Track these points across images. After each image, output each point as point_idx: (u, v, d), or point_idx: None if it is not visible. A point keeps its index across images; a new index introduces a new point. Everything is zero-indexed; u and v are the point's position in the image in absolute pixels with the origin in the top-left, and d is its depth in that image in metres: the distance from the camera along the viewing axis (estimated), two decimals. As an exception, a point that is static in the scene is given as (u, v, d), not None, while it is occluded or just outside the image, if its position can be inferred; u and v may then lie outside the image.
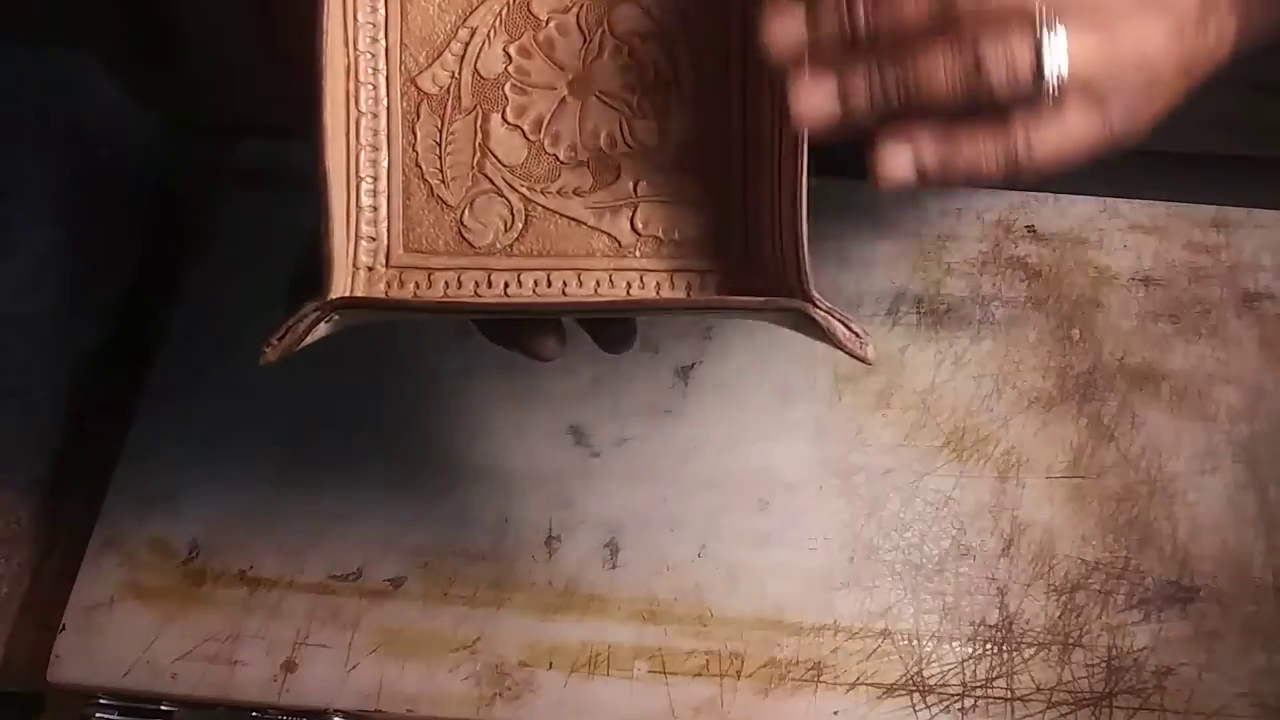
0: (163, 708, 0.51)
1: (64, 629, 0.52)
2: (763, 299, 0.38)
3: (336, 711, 0.51)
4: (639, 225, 0.42)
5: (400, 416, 0.58)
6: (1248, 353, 0.61)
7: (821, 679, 0.52)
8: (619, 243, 0.42)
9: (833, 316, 0.38)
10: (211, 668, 0.51)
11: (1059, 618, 0.53)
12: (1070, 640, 0.53)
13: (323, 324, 0.38)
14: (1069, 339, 0.61)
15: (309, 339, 0.38)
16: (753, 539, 0.55)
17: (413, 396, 0.58)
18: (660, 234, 0.42)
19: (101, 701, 0.51)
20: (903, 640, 0.53)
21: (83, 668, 0.51)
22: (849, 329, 0.38)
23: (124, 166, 0.62)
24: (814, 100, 0.35)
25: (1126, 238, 0.64)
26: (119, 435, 0.57)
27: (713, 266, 0.42)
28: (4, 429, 0.52)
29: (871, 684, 0.52)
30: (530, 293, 0.41)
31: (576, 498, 0.56)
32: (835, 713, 0.51)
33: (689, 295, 0.41)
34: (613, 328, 0.44)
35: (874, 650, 0.52)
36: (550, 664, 0.52)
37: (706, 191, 0.41)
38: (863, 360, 0.39)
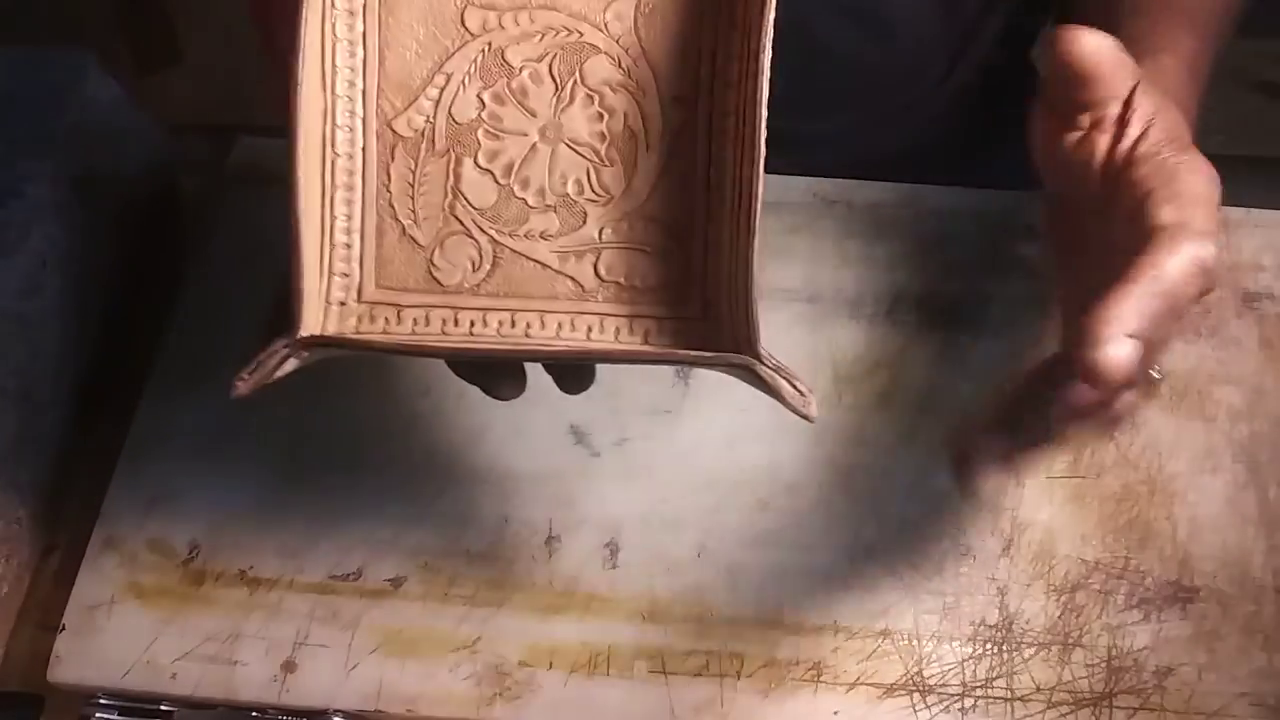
0: (163, 708, 0.51)
1: (64, 629, 0.52)
2: (712, 354, 0.40)
3: (336, 711, 0.51)
4: (602, 271, 0.43)
5: (400, 416, 0.58)
6: (1248, 353, 0.61)
7: (821, 679, 0.52)
8: (582, 287, 0.43)
9: (779, 375, 0.39)
10: (211, 668, 0.51)
11: (1059, 618, 0.53)
12: (1070, 640, 0.53)
13: (293, 359, 0.39)
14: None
15: (280, 373, 0.39)
16: (753, 539, 0.55)
17: (413, 396, 0.59)
18: (622, 280, 0.43)
19: (101, 701, 0.51)
20: (903, 640, 0.53)
21: (83, 668, 0.51)
22: (794, 387, 0.40)
23: (124, 166, 0.62)
24: None
25: (1126, 238, 0.64)
26: (119, 435, 0.57)
27: (671, 314, 0.43)
28: (4, 429, 0.52)
29: (871, 684, 0.52)
30: (495, 332, 0.42)
31: (576, 498, 0.56)
32: (835, 713, 0.51)
33: (646, 341, 0.43)
34: (572, 371, 0.46)
35: (874, 650, 0.52)
36: (550, 664, 0.52)
37: (669, 240, 0.43)
38: (805, 418, 0.41)
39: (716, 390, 0.59)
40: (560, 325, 0.43)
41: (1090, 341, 0.39)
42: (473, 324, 0.43)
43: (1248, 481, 0.57)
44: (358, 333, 0.42)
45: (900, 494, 0.56)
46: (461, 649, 0.52)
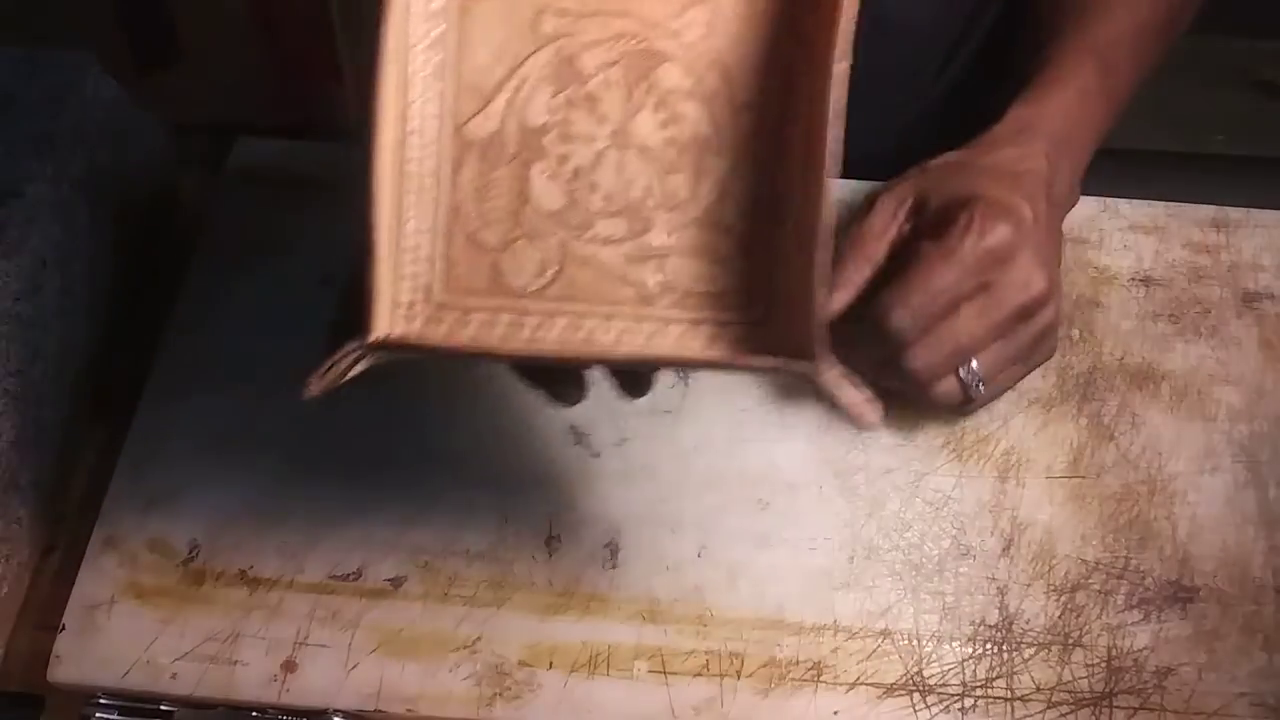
0: (163, 708, 0.51)
1: (64, 629, 0.52)
2: (776, 360, 0.40)
3: (336, 711, 0.51)
4: (665, 276, 0.43)
5: (400, 416, 0.58)
6: (1248, 353, 0.61)
7: (821, 679, 0.52)
8: (645, 292, 0.43)
9: (845, 381, 0.40)
10: (211, 668, 0.51)
11: (1059, 618, 0.53)
12: (1070, 640, 0.53)
13: (363, 362, 0.40)
14: (1069, 339, 0.61)
15: (351, 374, 0.40)
16: (753, 539, 0.55)
17: (413, 396, 0.59)
18: (685, 285, 0.43)
19: (101, 701, 0.51)
20: (903, 640, 0.53)
21: (83, 668, 0.51)
22: (859, 393, 0.40)
23: (124, 166, 0.62)
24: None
25: (1126, 238, 0.64)
26: (119, 435, 0.57)
27: (733, 320, 0.42)
28: (4, 429, 0.52)
29: (871, 684, 0.52)
30: (558, 336, 0.42)
31: (576, 498, 0.56)
32: (835, 713, 0.51)
33: (707, 346, 0.42)
34: (632, 376, 0.48)
35: (874, 650, 0.52)
36: (550, 664, 0.52)
37: (733, 248, 0.43)
38: (869, 426, 0.41)
39: (716, 390, 0.59)
40: (623, 330, 0.43)
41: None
42: (537, 327, 0.42)
43: (1248, 481, 0.57)
44: (424, 335, 0.42)
45: (900, 494, 0.56)
46: (461, 649, 0.52)
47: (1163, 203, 0.66)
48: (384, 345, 0.40)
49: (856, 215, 0.55)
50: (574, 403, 0.47)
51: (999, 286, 0.52)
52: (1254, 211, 0.65)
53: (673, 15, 0.43)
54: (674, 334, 0.43)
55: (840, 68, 0.40)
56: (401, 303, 0.42)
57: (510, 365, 0.45)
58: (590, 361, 0.44)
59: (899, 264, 0.53)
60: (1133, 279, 0.63)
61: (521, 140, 0.42)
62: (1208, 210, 0.65)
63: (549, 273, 0.43)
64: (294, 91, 1.36)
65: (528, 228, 0.43)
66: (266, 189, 0.65)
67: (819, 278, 0.40)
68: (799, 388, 0.59)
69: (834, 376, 0.40)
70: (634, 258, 0.43)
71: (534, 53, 0.42)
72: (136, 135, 0.63)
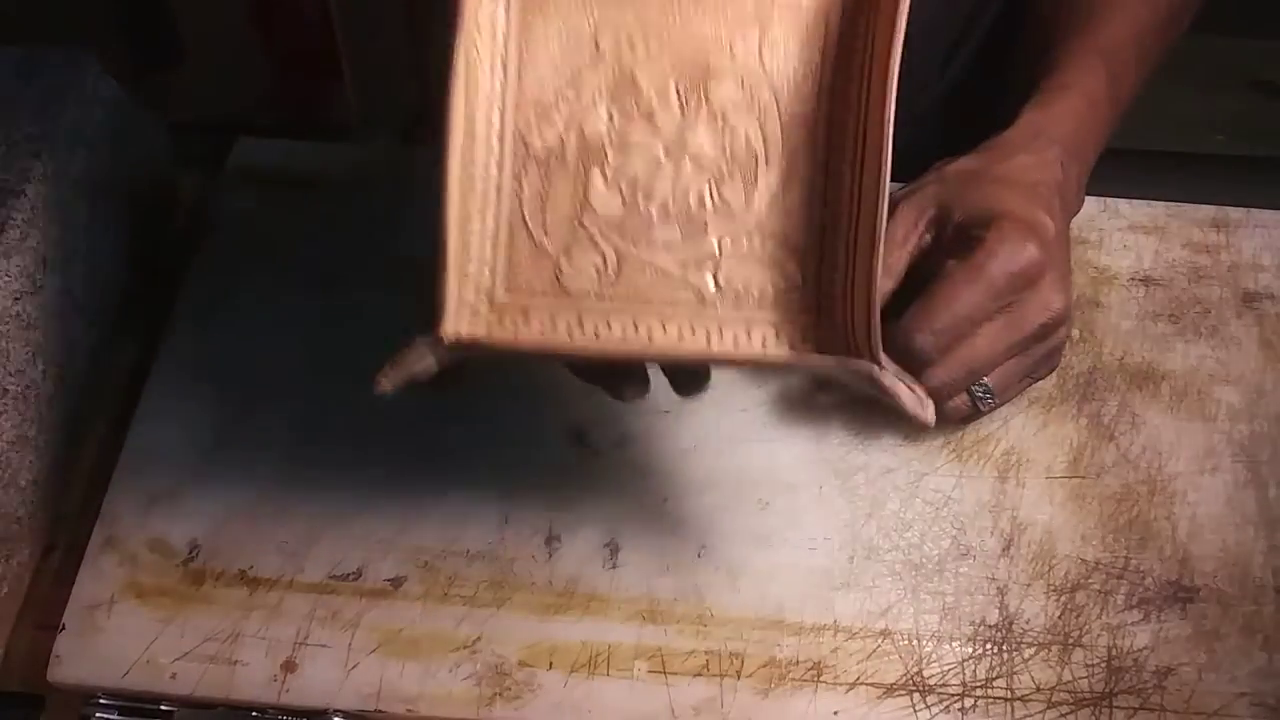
0: (163, 708, 0.51)
1: (64, 629, 0.52)
2: (835, 359, 0.43)
3: (336, 711, 0.51)
4: (721, 280, 0.45)
5: (400, 416, 0.58)
6: (1248, 353, 0.61)
7: (821, 679, 0.52)
8: (702, 295, 0.45)
9: (900, 380, 0.43)
10: (211, 668, 0.51)
11: (1059, 618, 0.53)
12: (1070, 640, 0.53)
13: (432, 358, 0.42)
14: (1069, 339, 0.61)
15: (419, 371, 0.42)
16: (753, 539, 0.55)
17: (412, 396, 0.58)
18: (740, 289, 0.45)
19: (101, 701, 0.51)
20: (903, 640, 0.53)
21: (83, 668, 0.51)
22: (913, 391, 0.43)
23: (124, 166, 0.62)
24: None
25: (1126, 238, 0.64)
26: (119, 435, 0.57)
27: (787, 321, 0.45)
28: (4, 429, 0.52)
29: (871, 684, 0.52)
30: (619, 336, 0.44)
31: (576, 498, 0.56)
32: (835, 713, 0.51)
33: (763, 347, 0.44)
34: (688, 374, 0.49)
35: (874, 650, 0.52)
36: (550, 664, 0.52)
37: (785, 252, 0.45)
38: (923, 423, 0.44)
39: (716, 390, 0.58)
40: (681, 331, 0.44)
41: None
42: (597, 328, 0.44)
43: (1248, 481, 0.57)
44: (490, 334, 0.44)
45: (900, 494, 0.56)
46: (461, 649, 0.52)
47: (1163, 203, 0.66)
48: (452, 343, 0.42)
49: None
50: (636, 399, 0.48)
51: (1022, 307, 0.52)
52: (1254, 211, 0.65)
53: (726, 33, 0.44)
54: (730, 335, 0.44)
55: (893, 81, 0.42)
56: (467, 302, 0.43)
57: (570, 364, 0.47)
58: (653, 360, 0.46)
59: (920, 277, 0.53)
60: (1133, 279, 0.63)
61: (581, 150, 0.44)
62: (1208, 210, 0.65)
63: (608, 276, 0.44)
64: (294, 91, 1.36)
65: (587, 233, 0.44)
66: (266, 189, 0.65)
67: (876, 280, 0.42)
68: (800, 387, 0.59)
69: (890, 374, 0.42)
70: (690, 262, 0.45)
71: (593, 68, 0.44)
72: (136, 135, 0.63)
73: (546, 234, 0.45)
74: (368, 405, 0.58)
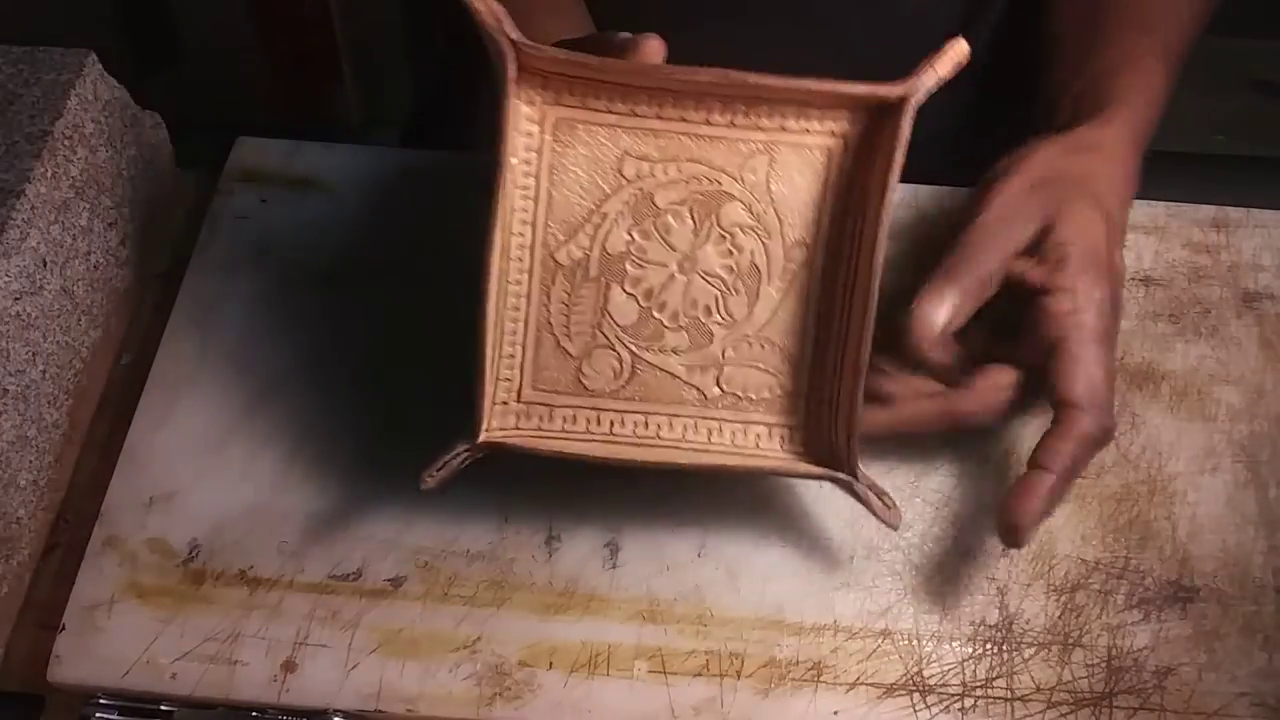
0: (163, 708, 0.51)
1: (64, 629, 0.52)
2: (820, 470, 0.49)
3: (336, 711, 0.51)
4: (723, 383, 0.50)
5: (400, 415, 0.58)
6: (1248, 353, 0.61)
7: (821, 679, 0.52)
8: (705, 396, 0.50)
9: (871, 491, 0.49)
10: (211, 668, 0.51)
11: (1059, 618, 0.53)
12: (1070, 640, 0.53)
13: (468, 457, 0.48)
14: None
15: (459, 469, 0.48)
16: (753, 539, 0.55)
17: (412, 396, 0.59)
18: (739, 392, 0.50)
19: (101, 701, 0.51)
20: (903, 640, 0.53)
21: (83, 668, 0.51)
22: (883, 501, 0.49)
23: (124, 166, 0.62)
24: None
25: (1127, 238, 0.64)
26: (119, 435, 0.57)
27: (780, 423, 0.50)
28: (4, 429, 0.52)
29: (871, 684, 0.52)
30: (631, 432, 0.50)
31: (576, 498, 0.56)
32: (835, 713, 0.51)
33: (757, 444, 0.50)
34: None
35: (874, 650, 0.52)
36: (550, 664, 0.52)
37: (781, 361, 0.50)
38: (890, 527, 0.50)
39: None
40: (685, 427, 0.50)
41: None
42: (613, 423, 0.50)
43: (1248, 481, 0.57)
44: (517, 428, 0.49)
45: (900, 494, 0.56)
46: (461, 649, 0.52)
47: (1163, 203, 0.66)
48: (490, 447, 0.48)
49: (972, 204, 0.53)
50: None
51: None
52: (1254, 211, 0.65)
53: (737, 162, 0.49)
54: (729, 432, 0.50)
55: (887, 214, 0.47)
56: (497, 401, 0.49)
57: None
58: (665, 468, 0.50)
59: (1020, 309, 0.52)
60: (1133, 279, 0.63)
61: (603, 264, 0.50)
62: (1208, 210, 0.65)
63: (623, 377, 0.50)
64: (294, 91, 1.36)
65: (606, 338, 0.50)
66: (266, 189, 0.65)
67: (858, 403, 0.47)
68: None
69: (865, 487, 0.48)
70: (696, 367, 0.50)
71: (617, 191, 0.49)
72: (136, 135, 0.63)
73: (570, 339, 0.50)
74: (367, 405, 0.58)
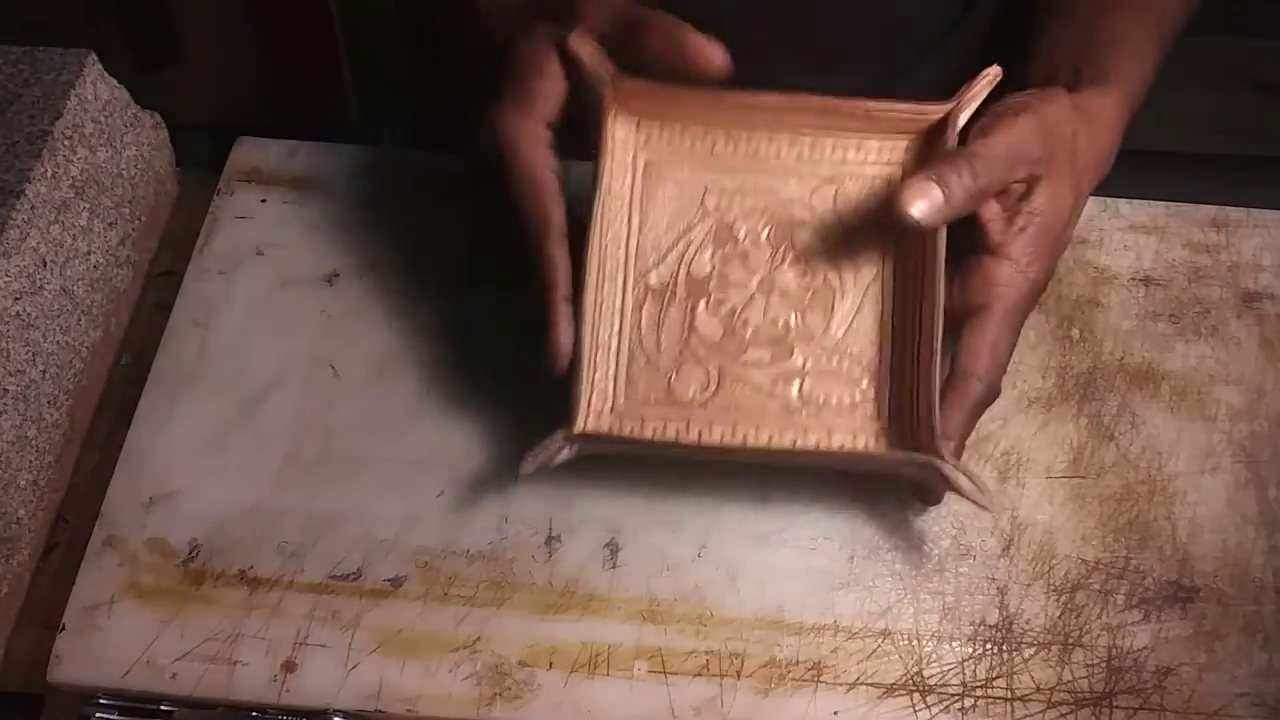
0: (163, 708, 0.51)
1: (64, 629, 0.52)
2: (904, 454, 0.50)
3: (336, 711, 0.51)
4: (805, 393, 0.52)
5: (400, 416, 0.58)
6: (1248, 353, 0.61)
7: (821, 679, 0.52)
8: (788, 405, 0.52)
9: (959, 471, 0.49)
10: (211, 668, 0.51)
11: (1059, 618, 0.53)
12: (1070, 640, 0.53)
13: (567, 450, 0.50)
14: (1069, 339, 0.61)
15: (557, 459, 0.50)
16: (753, 539, 0.55)
17: (412, 396, 0.59)
18: (820, 400, 0.52)
19: (101, 701, 0.51)
20: (903, 640, 0.53)
21: (83, 668, 0.51)
22: (973, 482, 0.49)
23: (124, 166, 0.62)
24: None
25: (1126, 238, 0.64)
26: (119, 435, 0.57)
27: (862, 428, 0.52)
28: (4, 429, 0.52)
29: (871, 684, 0.52)
30: (718, 440, 0.52)
31: (576, 498, 0.56)
32: (835, 713, 0.51)
33: (842, 449, 0.52)
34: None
35: (874, 650, 0.52)
36: (550, 664, 0.52)
37: (858, 369, 0.53)
38: (984, 508, 0.50)
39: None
40: (771, 435, 0.52)
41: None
42: (701, 432, 0.52)
43: (1248, 481, 0.57)
44: (611, 434, 0.52)
45: (900, 494, 0.56)
46: (461, 649, 0.52)
47: (1163, 203, 0.66)
48: (584, 437, 0.50)
49: (987, 126, 0.52)
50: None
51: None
52: (1254, 211, 0.65)
53: (807, 192, 0.54)
54: (814, 438, 0.52)
55: (942, 238, 0.50)
56: (592, 410, 0.52)
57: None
58: (751, 458, 0.53)
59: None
60: (1133, 279, 0.63)
61: (689, 286, 0.54)
62: (1208, 210, 0.65)
63: (710, 389, 0.53)
64: (294, 91, 1.36)
65: (693, 354, 0.53)
66: (266, 189, 0.65)
67: (935, 389, 0.49)
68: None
69: (950, 467, 0.49)
70: (778, 378, 0.53)
71: (700, 220, 0.54)
72: (136, 135, 0.63)
73: (660, 354, 0.53)
74: (368, 405, 0.58)
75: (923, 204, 0.48)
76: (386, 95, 1.33)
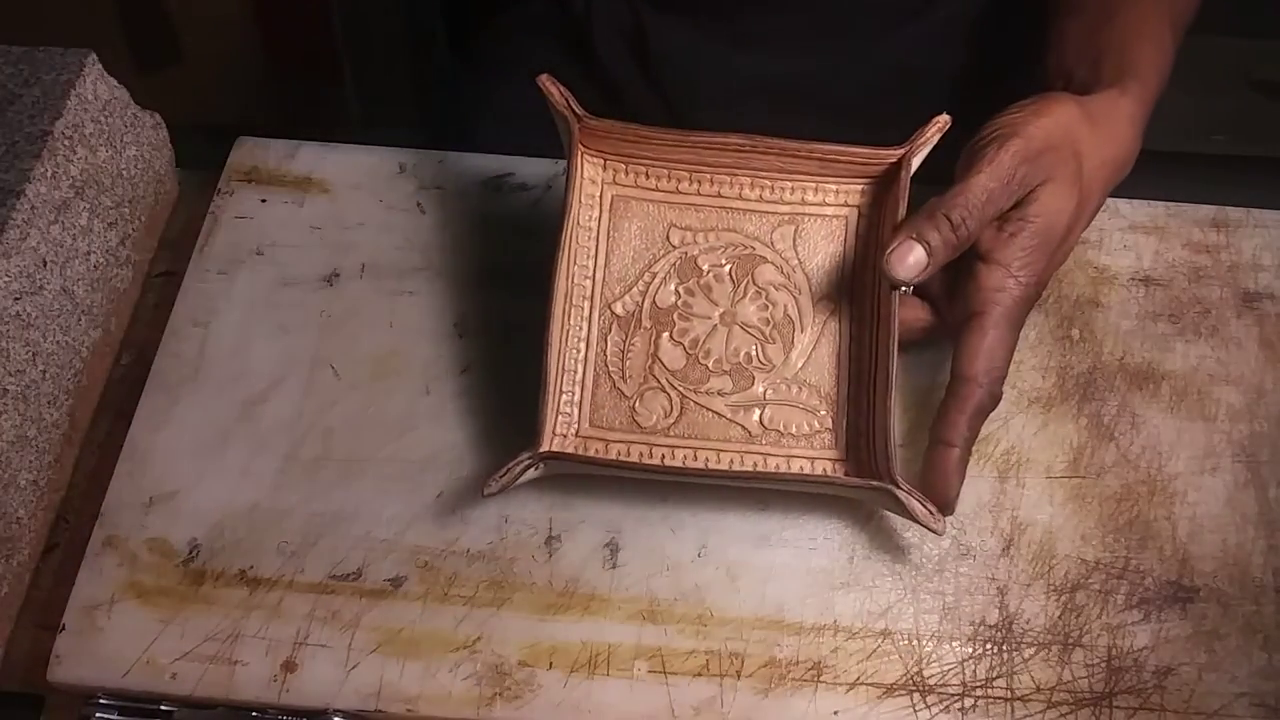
0: (163, 708, 0.51)
1: (64, 629, 0.52)
2: (860, 480, 0.52)
3: (336, 711, 0.51)
4: (765, 420, 0.55)
5: (400, 416, 0.58)
6: (1248, 353, 0.61)
7: (821, 679, 0.52)
8: (749, 432, 0.55)
9: (912, 496, 0.50)
10: (211, 668, 0.51)
11: (1059, 618, 0.53)
12: (1070, 640, 0.53)
13: (531, 470, 0.51)
14: (1069, 339, 0.61)
15: (521, 479, 0.51)
16: (753, 539, 0.55)
17: (412, 396, 0.59)
18: (780, 428, 0.55)
19: (101, 701, 0.51)
20: (903, 640, 0.53)
21: (83, 668, 0.51)
22: (925, 507, 0.51)
23: (124, 166, 0.62)
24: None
25: (1126, 238, 0.64)
26: (119, 435, 0.57)
27: (818, 455, 0.54)
28: (4, 429, 0.52)
29: (871, 684, 0.52)
30: (681, 463, 0.54)
31: (576, 498, 0.56)
32: (835, 713, 0.51)
33: (801, 474, 0.54)
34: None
35: (874, 650, 0.52)
36: (550, 664, 0.52)
37: (817, 399, 0.55)
38: (934, 532, 0.51)
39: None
40: (731, 460, 0.54)
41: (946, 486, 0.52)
42: (664, 456, 0.54)
43: (1248, 481, 0.57)
44: (575, 457, 0.53)
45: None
46: (461, 649, 0.52)
47: (1163, 203, 0.66)
48: (549, 457, 0.51)
49: (976, 157, 0.53)
50: None
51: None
52: (1254, 211, 0.65)
53: (768, 230, 0.58)
54: (773, 464, 0.54)
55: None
56: (558, 434, 0.54)
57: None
58: (710, 480, 0.54)
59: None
60: (1133, 279, 0.63)
61: (653, 316, 0.56)
62: (1208, 210, 0.65)
63: (673, 415, 0.55)
64: (294, 91, 1.36)
65: (657, 381, 0.55)
66: (266, 189, 0.65)
67: (892, 418, 0.51)
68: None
69: (906, 494, 0.50)
70: (740, 406, 0.55)
71: (665, 255, 0.57)
72: (136, 135, 0.63)
73: (624, 381, 0.55)
74: (368, 405, 0.58)
75: (908, 263, 0.51)
76: (386, 95, 1.33)
